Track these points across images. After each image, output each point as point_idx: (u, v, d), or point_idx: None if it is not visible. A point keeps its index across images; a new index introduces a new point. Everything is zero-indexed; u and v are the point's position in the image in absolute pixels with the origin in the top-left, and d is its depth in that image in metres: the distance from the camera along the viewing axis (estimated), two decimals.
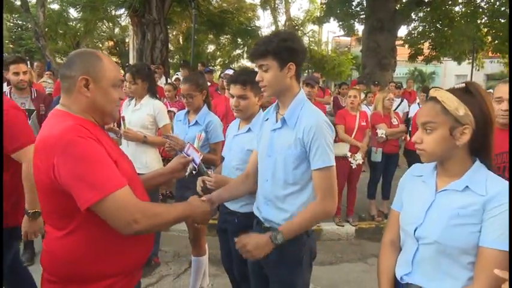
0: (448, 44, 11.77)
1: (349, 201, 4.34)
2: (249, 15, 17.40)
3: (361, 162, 4.18)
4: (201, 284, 2.78)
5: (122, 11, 12.70)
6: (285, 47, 1.47)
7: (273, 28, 19.87)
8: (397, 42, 11.64)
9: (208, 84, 4.57)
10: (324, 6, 13.65)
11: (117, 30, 20.85)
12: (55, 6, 16.97)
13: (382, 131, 4.35)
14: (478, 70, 14.59)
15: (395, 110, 5.14)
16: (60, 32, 16.01)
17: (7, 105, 1.82)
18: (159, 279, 3.12)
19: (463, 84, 1.15)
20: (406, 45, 12.76)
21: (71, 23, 16.46)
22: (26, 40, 19.16)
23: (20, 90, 3.11)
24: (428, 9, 11.45)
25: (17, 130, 1.80)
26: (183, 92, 2.62)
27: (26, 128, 1.90)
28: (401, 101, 6.84)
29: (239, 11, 16.24)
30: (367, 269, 3.40)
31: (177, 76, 7.73)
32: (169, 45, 13.77)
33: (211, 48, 21.13)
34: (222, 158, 2.28)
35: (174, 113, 3.94)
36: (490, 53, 13.71)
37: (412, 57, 12.91)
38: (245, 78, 2.01)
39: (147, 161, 2.89)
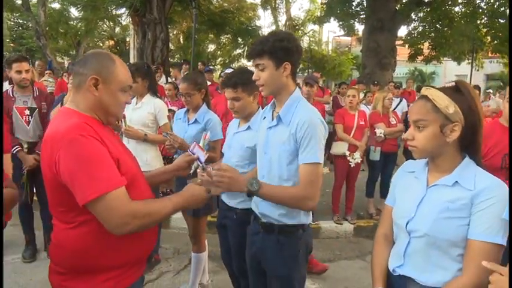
0: (448, 44, 11.80)
1: (348, 199, 4.38)
2: (250, 14, 17.43)
3: (359, 161, 4.22)
4: (200, 280, 2.82)
5: (123, 10, 12.73)
6: (281, 47, 1.51)
7: (274, 28, 19.91)
8: (397, 42, 11.66)
9: (209, 83, 4.61)
10: (324, 6, 13.67)
11: (117, 29, 20.91)
12: (56, 5, 17.07)
13: (380, 130, 4.39)
14: (478, 70, 14.62)
15: (394, 109, 5.18)
16: (61, 31, 16.08)
17: None
18: (159, 275, 3.16)
19: (453, 83, 1.19)
20: (406, 45, 12.79)
21: (72, 22, 16.53)
22: (27, 39, 19.20)
23: (22, 89, 3.15)
24: (428, 9, 11.48)
25: None
26: (182, 91, 2.66)
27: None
28: (400, 100, 6.89)
29: (240, 11, 16.26)
30: (365, 266, 3.44)
31: None
32: (170, 45, 13.81)
33: (211, 47, 21.18)
34: (221, 155, 2.32)
35: (175, 112, 3.98)
36: (489, 53, 13.75)
37: (412, 57, 12.95)
38: (235, 80, 2.05)
39: (147, 159, 2.92)
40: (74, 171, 1.13)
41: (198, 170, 1.59)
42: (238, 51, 18.87)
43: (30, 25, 15.63)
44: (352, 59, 20.07)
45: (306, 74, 14.61)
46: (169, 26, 12.50)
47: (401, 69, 19.19)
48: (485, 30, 11.72)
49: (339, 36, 22.54)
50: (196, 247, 2.72)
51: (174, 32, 18.43)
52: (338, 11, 12.45)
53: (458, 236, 1.14)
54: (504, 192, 1.12)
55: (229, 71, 5.05)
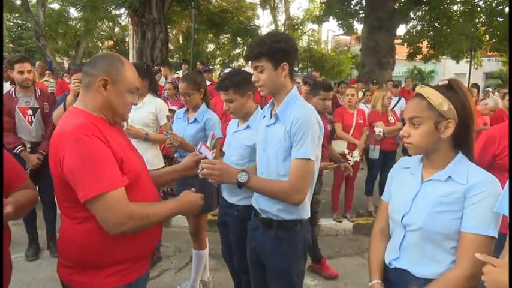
0: (447, 42, 11.84)
1: (347, 197, 4.42)
2: (249, 14, 17.45)
3: (358, 160, 4.25)
4: (201, 277, 2.85)
5: (122, 10, 12.78)
6: (278, 48, 1.55)
7: (273, 27, 19.94)
8: (396, 41, 11.70)
9: (208, 83, 4.65)
10: (323, 5, 13.68)
11: (117, 29, 20.88)
12: (55, 6, 17.06)
13: (379, 129, 4.43)
14: (477, 68, 14.63)
15: (392, 108, 5.21)
16: (61, 31, 16.04)
17: None
18: (160, 272, 3.20)
19: (446, 81, 1.23)
20: (405, 44, 12.82)
21: (71, 23, 16.50)
22: (26, 39, 19.19)
23: (24, 89, 3.18)
24: (427, 8, 11.51)
25: None
26: (181, 91, 2.70)
27: None
28: (399, 99, 6.92)
29: (239, 10, 16.29)
30: (363, 263, 3.48)
31: (177, 75, 7.80)
32: (169, 45, 13.81)
33: (211, 47, 21.19)
34: (221, 154, 2.36)
35: (175, 112, 4.01)
36: (488, 51, 13.78)
37: (410, 56, 12.97)
38: (226, 83, 2.10)
39: (148, 158, 2.95)
40: (77, 169, 1.17)
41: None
42: (238, 50, 18.89)
43: (30, 25, 15.64)
44: (351, 58, 20.09)
45: (305, 73, 14.62)
46: (168, 26, 12.53)
47: (401, 68, 19.20)
48: (483, 28, 11.74)
49: (338, 35, 22.58)
50: (197, 244, 2.76)
51: (174, 32, 18.44)
52: (337, 10, 12.48)
53: (451, 229, 1.17)
54: (496, 187, 1.16)
55: (228, 70, 5.09)
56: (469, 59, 13.34)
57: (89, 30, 15.90)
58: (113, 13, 13.75)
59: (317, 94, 3.25)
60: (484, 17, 11.45)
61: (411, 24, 12.51)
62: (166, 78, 6.82)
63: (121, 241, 1.27)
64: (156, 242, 1.45)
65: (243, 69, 3.69)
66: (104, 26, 19.95)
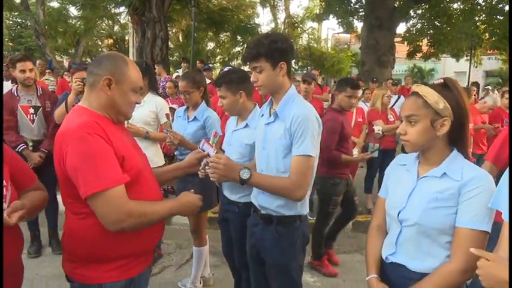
0: (446, 41, 11.85)
1: None
2: (249, 12, 17.46)
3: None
4: (202, 273, 2.89)
5: (122, 8, 12.75)
6: (276, 48, 1.58)
7: (273, 25, 19.93)
8: (396, 40, 11.71)
9: (208, 81, 4.66)
10: (323, 3, 13.68)
11: (116, 28, 20.88)
12: (55, 4, 17.04)
13: (378, 127, 4.45)
14: (476, 67, 14.65)
15: (392, 106, 5.24)
16: (60, 30, 16.04)
17: None
18: (161, 269, 3.23)
19: (442, 80, 1.26)
20: (405, 43, 12.82)
21: (71, 21, 16.50)
22: (26, 38, 19.20)
23: (26, 88, 3.20)
24: (427, 6, 11.51)
25: None
26: (181, 89, 2.73)
27: None
28: (398, 97, 6.93)
29: (238, 9, 16.29)
30: (362, 260, 3.44)
31: (177, 73, 7.82)
32: (169, 43, 13.82)
33: (211, 45, 21.19)
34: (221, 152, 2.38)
35: (175, 110, 4.03)
36: (488, 49, 13.79)
37: (410, 55, 12.98)
38: (220, 80, 2.18)
39: (148, 156, 2.95)
40: (78, 166, 1.20)
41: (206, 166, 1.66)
42: (237, 49, 18.89)
43: (29, 24, 15.63)
44: (351, 56, 20.08)
45: (305, 72, 14.62)
46: (168, 25, 12.52)
47: (401, 66, 19.22)
48: (483, 27, 11.74)
49: (338, 33, 22.54)
50: (197, 241, 2.79)
51: (173, 31, 18.44)
52: (337, 9, 12.48)
53: (446, 224, 1.20)
54: (489, 183, 1.19)
55: (227, 69, 5.11)
56: (469, 58, 13.36)
57: (89, 29, 15.92)
58: (113, 11, 13.78)
59: (343, 91, 3.09)
60: (484, 15, 11.46)
61: (411, 22, 12.53)
62: (160, 76, 6.82)
63: (123, 237, 1.30)
64: (158, 239, 1.48)
65: (242, 68, 3.71)
66: (104, 24, 19.95)
